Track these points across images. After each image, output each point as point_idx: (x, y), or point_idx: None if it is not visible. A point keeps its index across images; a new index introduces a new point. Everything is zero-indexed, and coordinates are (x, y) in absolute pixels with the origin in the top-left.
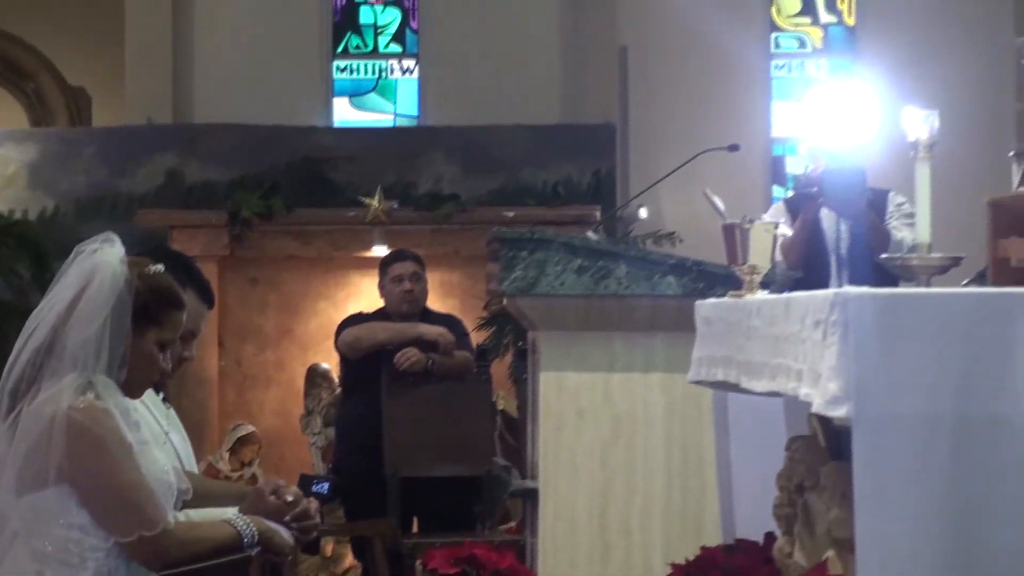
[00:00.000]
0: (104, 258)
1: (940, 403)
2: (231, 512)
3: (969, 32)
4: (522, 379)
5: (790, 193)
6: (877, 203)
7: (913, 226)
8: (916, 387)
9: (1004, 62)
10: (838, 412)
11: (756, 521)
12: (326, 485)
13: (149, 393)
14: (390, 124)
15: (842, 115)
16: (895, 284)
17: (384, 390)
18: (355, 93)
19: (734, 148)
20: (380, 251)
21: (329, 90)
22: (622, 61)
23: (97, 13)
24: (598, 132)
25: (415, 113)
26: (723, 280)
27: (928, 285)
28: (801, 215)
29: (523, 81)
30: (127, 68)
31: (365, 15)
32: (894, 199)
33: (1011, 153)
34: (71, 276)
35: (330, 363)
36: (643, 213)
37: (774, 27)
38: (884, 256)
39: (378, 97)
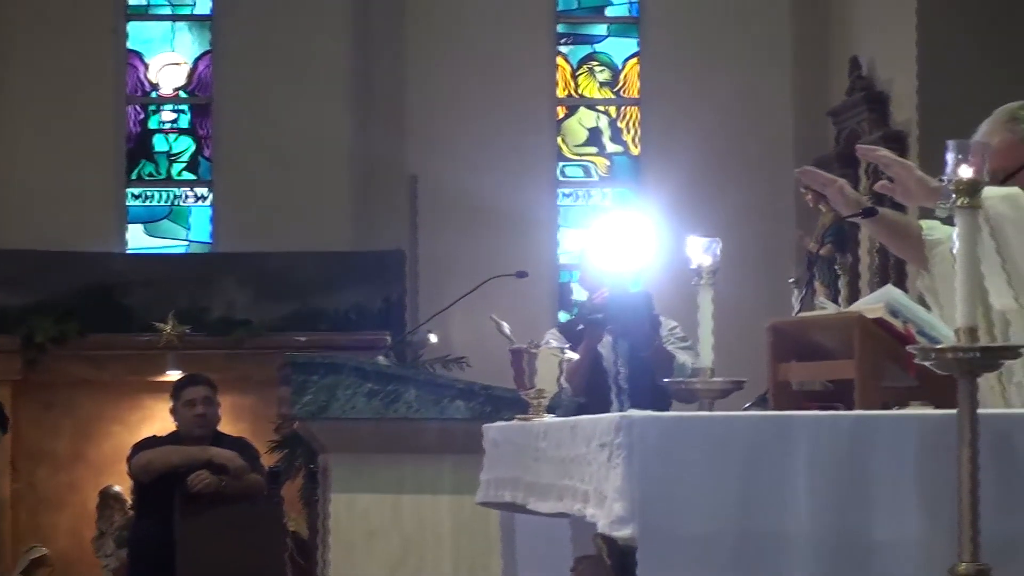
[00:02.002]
0: None
1: (722, 522)
2: None
3: (750, 162)
4: (313, 501)
5: (568, 318)
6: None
7: (687, 349)
8: (699, 507)
9: (783, 191)
10: (623, 532)
11: None
12: None
13: None
14: (183, 250)
15: (625, 242)
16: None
17: (176, 512)
18: (149, 220)
19: (522, 275)
20: (173, 375)
21: (123, 216)
22: (412, 189)
23: None
24: (388, 258)
25: (208, 239)
26: (510, 404)
27: (711, 408)
28: (585, 341)
29: (314, 208)
30: None
31: (159, 143)
32: (666, 323)
33: (791, 280)
34: None
35: (123, 486)
36: (432, 338)
37: (561, 156)
38: (667, 380)
39: (171, 224)
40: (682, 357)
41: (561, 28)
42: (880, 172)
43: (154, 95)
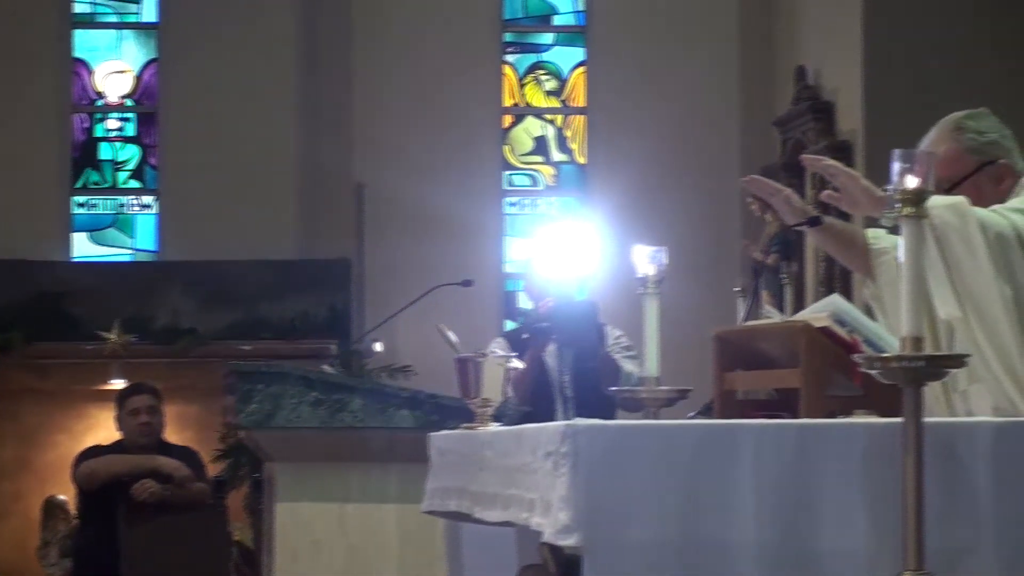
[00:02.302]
0: None
1: (668, 531)
2: None
3: (697, 172)
4: (258, 510)
5: (514, 327)
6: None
7: (633, 358)
8: (644, 516)
9: (730, 201)
10: (568, 541)
11: None
12: None
13: None
14: (129, 259)
15: (570, 251)
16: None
17: (121, 521)
18: (94, 228)
19: (467, 283)
20: (118, 384)
21: (68, 225)
22: (358, 197)
23: None
24: (334, 267)
25: (153, 248)
26: (456, 413)
27: (656, 417)
28: (530, 350)
29: (260, 217)
30: None
31: (104, 151)
32: (612, 332)
33: (736, 289)
34: None
35: (67, 495)
36: (378, 347)
37: (507, 165)
38: (613, 388)
39: (117, 232)
40: (628, 366)
41: (507, 37)
42: (826, 181)
43: (100, 103)
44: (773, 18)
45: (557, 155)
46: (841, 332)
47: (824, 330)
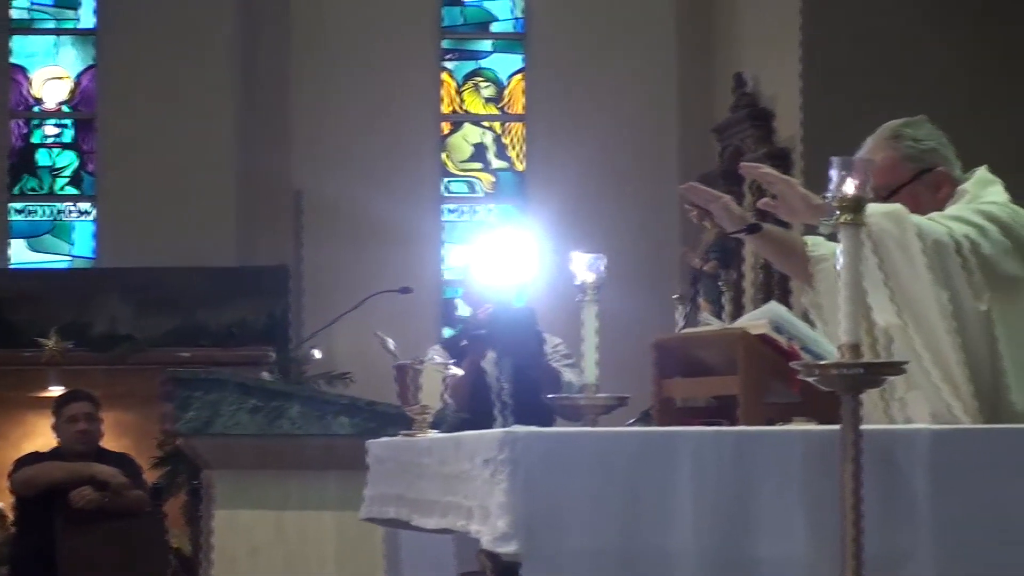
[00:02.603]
0: None
1: (606, 538)
2: None
3: (635, 179)
4: (196, 517)
5: (452, 334)
6: None
7: (572, 367)
8: (583, 523)
9: (668, 208)
10: (507, 548)
11: None
12: None
13: None
14: (66, 265)
15: (509, 258)
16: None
17: (58, 529)
18: (31, 235)
19: (406, 291)
20: (56, 391)
21: (5, 231)
22: (296, 204)
23: None
24: (272, 274)
25: (91, 255)
26: (394, 420)
27: (595, 424)
28: (468, 357)
29: (198, 224)
30: None
31: (42, 157)
32: (550, 340)
33: (675, 296)
34: None
35: (4, 502)
36: (316, 354)
37: (445, 172)
38: (552, 396)
39: (54, 239)
40: (568, 375)
41: (446, 44)
42: (764, 189)
43: (37, 109)
44: (711, 25)
45: (496, 162)
46: (779, 339)
47: (762, 337)
